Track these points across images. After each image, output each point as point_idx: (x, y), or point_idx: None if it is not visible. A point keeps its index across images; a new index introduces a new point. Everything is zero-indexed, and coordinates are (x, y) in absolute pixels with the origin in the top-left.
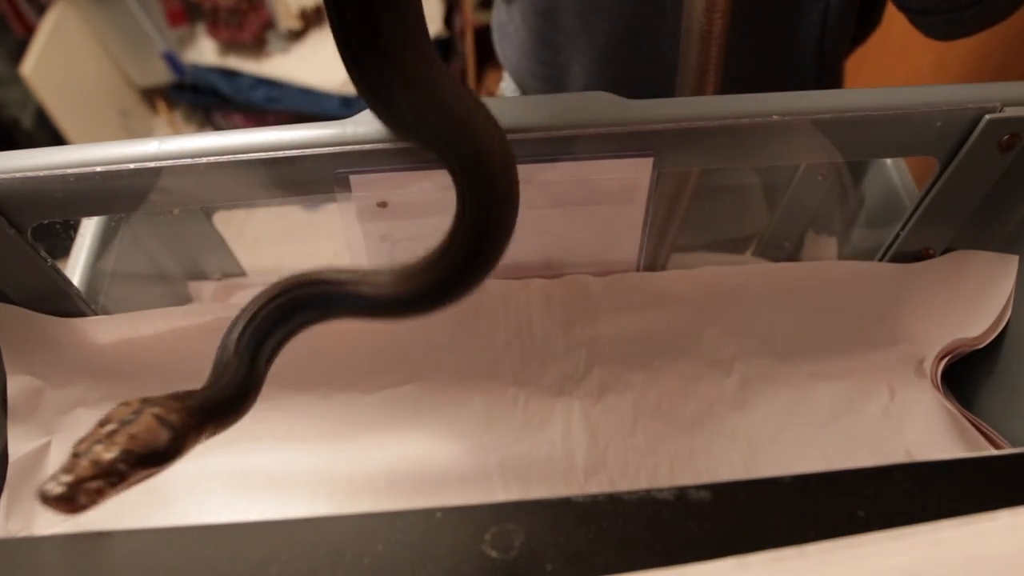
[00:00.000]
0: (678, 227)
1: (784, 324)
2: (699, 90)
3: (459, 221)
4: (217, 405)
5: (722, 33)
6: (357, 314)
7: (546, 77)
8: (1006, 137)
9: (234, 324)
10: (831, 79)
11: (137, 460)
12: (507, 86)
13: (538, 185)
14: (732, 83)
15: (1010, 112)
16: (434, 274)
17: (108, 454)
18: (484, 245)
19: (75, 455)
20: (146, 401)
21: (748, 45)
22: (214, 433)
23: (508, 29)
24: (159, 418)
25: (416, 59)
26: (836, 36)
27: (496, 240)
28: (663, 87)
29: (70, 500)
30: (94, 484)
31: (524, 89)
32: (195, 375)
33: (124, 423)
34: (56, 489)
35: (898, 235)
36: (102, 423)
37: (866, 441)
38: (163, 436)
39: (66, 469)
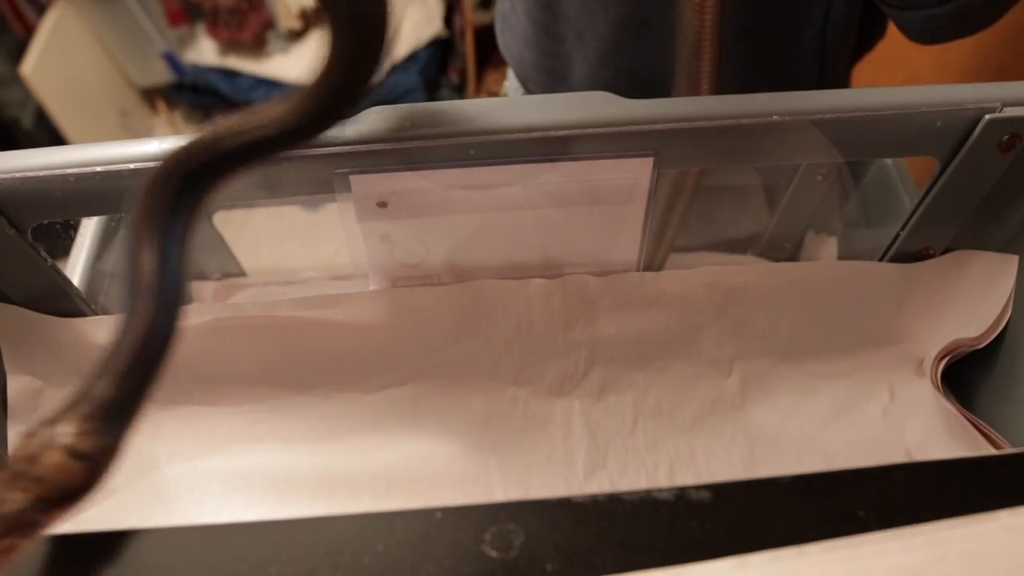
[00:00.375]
0: (677, 227)
1: (784, 324)
2: (696, 63)
3: (335, 42)
4: (137, 386)
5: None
6: (262, 158)
7: (548, 68)
8: (1006, 137)
9: (137, 241)
10: (832, 85)
11: (50, 504)
12: (511, 84)
13: (538, 185)
14: (732, 86)
15: (1010, 112)
16: (326, 93)
17: (14, 505)
18: (363, 57)
19: None
20: (53, 426)
21: (747, 52)
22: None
23: (511, 20)
24: (70, 451)
25: None
26: (838, 34)
27: (373, 52)
28: (664, 78)
29: None
30: (4, 543)
31: (526, 82)
32: (195, 375)
33: (30, 462)
34: None
35: (898, 235)
36: (6, 464)
37: (866, 441)
38: (77, 470)
39: None
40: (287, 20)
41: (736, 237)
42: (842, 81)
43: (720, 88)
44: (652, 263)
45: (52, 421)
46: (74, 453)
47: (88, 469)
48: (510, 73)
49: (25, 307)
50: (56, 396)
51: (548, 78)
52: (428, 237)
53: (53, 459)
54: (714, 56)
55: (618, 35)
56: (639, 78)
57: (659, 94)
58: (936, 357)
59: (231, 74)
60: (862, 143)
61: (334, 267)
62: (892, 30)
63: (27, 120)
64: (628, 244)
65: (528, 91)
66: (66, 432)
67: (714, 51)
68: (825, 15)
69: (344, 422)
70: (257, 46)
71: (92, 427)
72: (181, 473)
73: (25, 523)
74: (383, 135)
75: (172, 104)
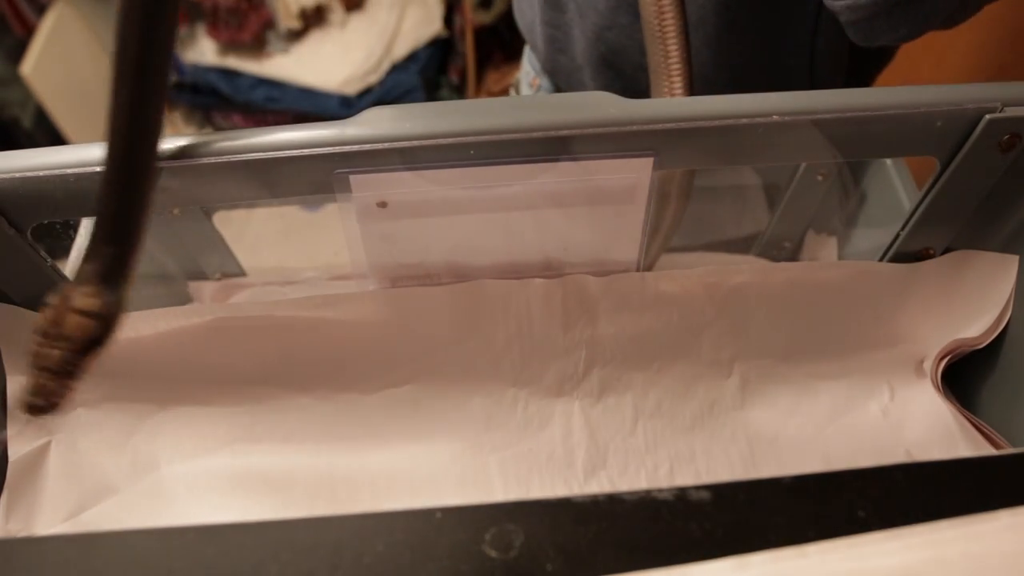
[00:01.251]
0: (670, 225)
1: (784, 324)
2: (662, 44)
3: None
4: (125, 244)
5: None
6: None
7: (552, 38)
8: (1006, 137)
9: (117, 70)
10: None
11: (81, 354)
12: (523, 69)
13: (538, 185)
14: (722, 78)
15: (1010, 112)
16: None
17: (55, 358)
18: None
19: (35, 368)
20: (67, 295)
21: (733, 45)
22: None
23: None
24: (83, 313)
25: None
26: (830, 34)
27: None
28: None
29: (48, 406)
30: (55, 385)
31: (533, 49)
32: (195, 375)
33: (56, 325)
34: (36, 403)
35: (898, 235)
36: (38, 332)
37: (866, 441)
38: (93, 326)
39: (33, 390)
40: (287, 20)
41: (736, 237)
42: (834, 83)
43: (702, 76)
44: (643, 261)
45: (65, 292)
46: (86, 313)
47: (101, 323)
48: (524, 60)
49: (25, 307)
50: None
51: (552, 49)
52: (428, 237)
53: (72, 321)
54: (679, 28)
55: (614, 12)
56: (630, 57)
57: (647, 75)
58: (936, 357)
59: (231, 74)
60: (862, 143)
61: (334, 267)
62: None
63: (27, 120)
64: (628, 244)
65: (536, 57)
66: (75, 298)
67: (679, 29)
68: (816, 14)
69: (344, 422)
70: (257, 46)
71: (95, 290)
72: (181, 473)
73: (68, 370)
74: (383, 135)
75: (172, 104)
